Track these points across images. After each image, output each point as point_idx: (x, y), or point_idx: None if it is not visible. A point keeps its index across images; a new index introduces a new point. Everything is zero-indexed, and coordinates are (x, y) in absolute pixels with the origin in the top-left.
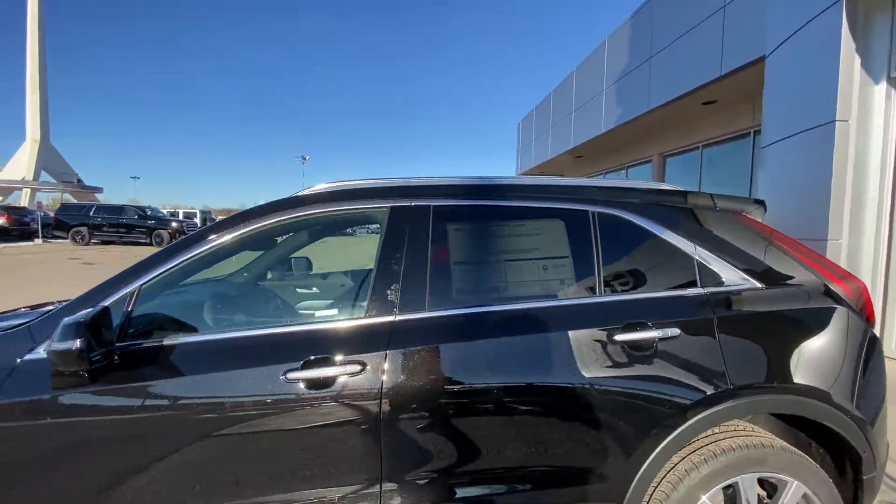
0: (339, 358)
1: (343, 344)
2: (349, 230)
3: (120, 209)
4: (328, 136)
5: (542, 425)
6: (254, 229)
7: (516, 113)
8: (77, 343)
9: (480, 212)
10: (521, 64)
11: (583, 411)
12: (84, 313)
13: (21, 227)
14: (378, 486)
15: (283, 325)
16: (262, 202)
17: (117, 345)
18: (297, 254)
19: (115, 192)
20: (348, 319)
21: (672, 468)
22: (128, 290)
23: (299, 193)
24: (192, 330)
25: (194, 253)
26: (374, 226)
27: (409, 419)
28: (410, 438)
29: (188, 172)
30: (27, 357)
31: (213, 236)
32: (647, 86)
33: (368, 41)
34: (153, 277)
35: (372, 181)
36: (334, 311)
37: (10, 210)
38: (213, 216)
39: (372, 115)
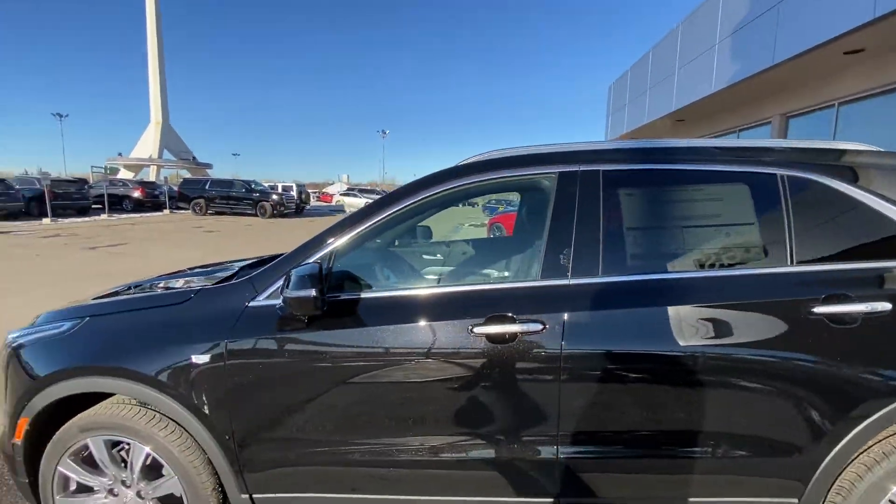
0: (519, 317)
1: (522, 304)
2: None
3: (230, 183)
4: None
5: (723, 398)
6: (424, 198)
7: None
8: (313, 291)
9: (654, 176)
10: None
11: (772, 386)
12: (308, 267)
13: (153, 199)
14: (555, 436)
15: (463, 285)
16: (344, 175)
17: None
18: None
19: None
20: (524, 282)
21: (862, 454)
22: (327, 251)
23: (465, 162)
24: (378, 286)
25: (374, 221)
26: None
27: (585, 378)
28: (585, 396)
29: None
30: (251, 304)
31: (388, 206)
32: (773, 35)
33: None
34: (344, 241)
35: (534, 148)
36: (504, 274)
37: (143, 184)
38: (307, 189)
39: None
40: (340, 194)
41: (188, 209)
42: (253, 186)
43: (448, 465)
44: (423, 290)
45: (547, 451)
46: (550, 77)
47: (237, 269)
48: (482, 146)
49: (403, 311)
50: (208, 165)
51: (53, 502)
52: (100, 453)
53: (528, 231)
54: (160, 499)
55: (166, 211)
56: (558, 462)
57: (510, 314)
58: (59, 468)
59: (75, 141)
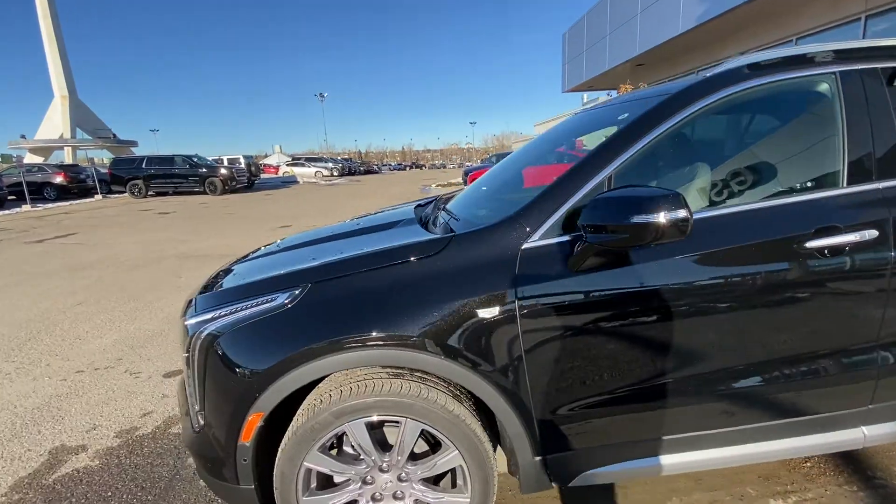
0: (845, 226)
1: (844, 213)
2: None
3: (170, 160)
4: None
5: None
6: (691, 114)
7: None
8: (682, 212)
9: None
10: None
11: None
12: (649, 189)
13: (79, 185)
14: (874, 345)
15: (775, 199)
16: (276, 146)
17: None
18: None
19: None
20: (833, 190)
21: None
22: (604, 176)
23: (724, 68)
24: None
25: (642, 143)
26: None
27: None
28: None
29: (203, 124)
30: (527, 246)
31: (653, 128)
32: None
33: None
34: (620, 165)
35: (795, 49)
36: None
37: (65, 168)
38: (255, 161)
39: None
40: (287, 165)
41: (125, 192)
42: (197, 161)
43: (769, 391)
44: (732, 208)
45: (867, 362)
46: (500, 30)
47: (413, 216)
48: (430, 106)
49: (720, 233)
50: (132, 143)
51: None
52: (360, 438)
53: (804, 138)
54: (429, 478)
55: (98, 196)
56: (879, 373)
57: (837, 224)
58: (306, 464)
59: None
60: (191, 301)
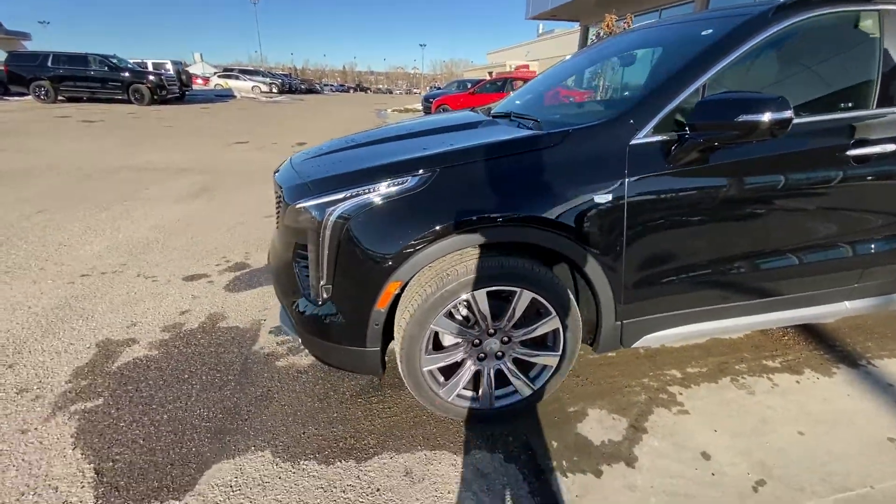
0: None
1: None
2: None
3: (83, 59)
4: None
5: None
6: (772, 34)
7: None
8: (788, 112)
9: None
10: None
11: None
12: (757, 94)
13: None
14: (872, 242)
15: (826, 114)
16: (196, 54)
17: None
18: None
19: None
20: (866, 110)
21: None
22: (700, 83)
23: None
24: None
25: (730, 58)
26: None
27: None
28: None
29: (105, 18)
30: (634, 142)
31: (743, 43)
32: None
33: None
34: (714, 74)
35: None
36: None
37: None
38: (185, 69)
39: None
40: (219, 77)
41: (28, 94)
42: (117, 63)
43: (791, 271)
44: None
45: (864, 249)
46: None
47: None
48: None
49: (791, 139)
50: (24, 35)
51: (420, 363)
52: (482, 305)
53: (843, 68)
54: (528, 341)
55: None
56: (871, 258)
57: (868, 138)
58: (433, 327)
59: None
60: (297, 185)
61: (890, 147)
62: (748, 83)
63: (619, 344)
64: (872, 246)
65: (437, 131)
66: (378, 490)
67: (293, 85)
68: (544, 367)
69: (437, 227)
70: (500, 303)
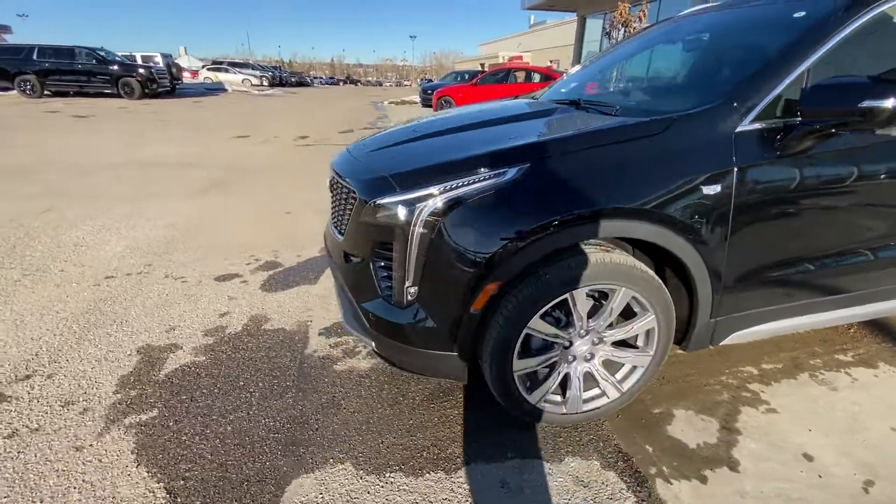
0: None
1: None
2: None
3: (70, 52)
4: None
5: None
6: (872, 16)
7: None
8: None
9: None
10: None
11: None
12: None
13: None
14: None
15: None
16: (181, 47)
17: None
18: None
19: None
20: None
21: None
22: (804, 68)
23: None
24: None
25: (835, 40)
26: None
27: None
28: None
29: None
30: (740, 129)
31: (844, 26)
32: None
33: None
34: (818, 58)
35: None
36: None
37: None
38: (176, 62)
39: None
40: (208, 70)
41: (12, 89)
42: (105, 56)
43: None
44: None
45: None
46: None
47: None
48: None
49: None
50: (5, 28)
51: (512, 367)
52: (580, 305)
53: None
54: (619, 341)
55: None
56: None
57: None
58: (527, 328)
59: None
60: (374, 180)
61: None
62: (849, 69)
63: (710, 342)
64: None
65: (506, 120)
66: None
67: (284, 78)
68: (633, 368)
69: (540, 223)
70: (594, 302)
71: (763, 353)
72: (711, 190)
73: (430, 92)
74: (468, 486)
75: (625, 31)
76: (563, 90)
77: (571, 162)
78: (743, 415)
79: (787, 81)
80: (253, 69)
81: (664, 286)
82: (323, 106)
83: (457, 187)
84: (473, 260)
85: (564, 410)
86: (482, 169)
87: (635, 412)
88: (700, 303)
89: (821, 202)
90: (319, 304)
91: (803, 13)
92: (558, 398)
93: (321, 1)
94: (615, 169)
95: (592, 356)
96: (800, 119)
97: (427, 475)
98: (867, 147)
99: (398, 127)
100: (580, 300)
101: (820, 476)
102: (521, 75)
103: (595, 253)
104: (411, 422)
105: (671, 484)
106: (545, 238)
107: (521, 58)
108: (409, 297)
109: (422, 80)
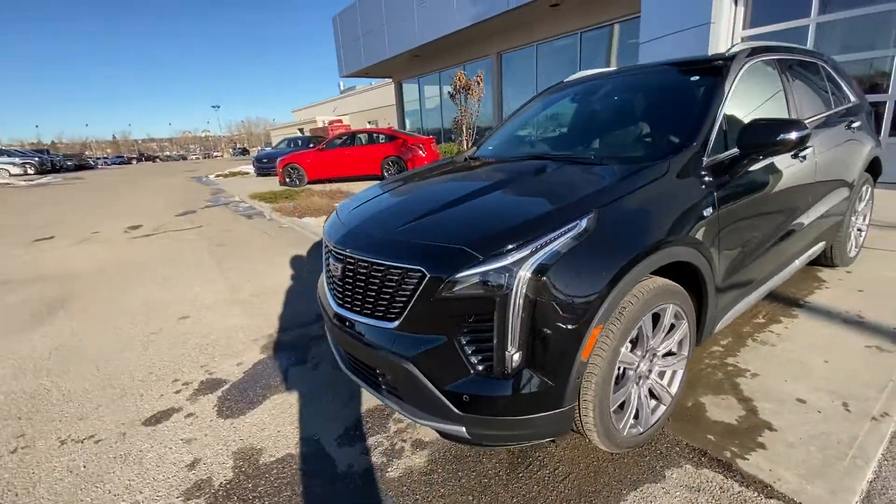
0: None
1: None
2: None
3: None
4: None
5: None
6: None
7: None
8: (805, 131)
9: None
10: None
11: None
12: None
13: None
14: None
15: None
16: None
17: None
18: None
19: None
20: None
21: None
22: (722, 113)
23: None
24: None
25: (729, 93)
26: None
27: None
28: None
29: None
30: (706, 161)
31: (727, 82)
32: None
33: None
34: (725, 105)
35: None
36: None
37: None
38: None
39: None
40: None
41: None
42: None
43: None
44: None
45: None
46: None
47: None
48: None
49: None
50: None
51: (609, 404)
52: (646, 328)
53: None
54: (666, 353)
55: None
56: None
57: None
58: (619, 362)
59: None
60: (442, 251)
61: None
62: (744, 109)
63: (710, 334)
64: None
65: (506, 182)
66: None
67: (57, 162)
68: (675, 372)
69: (620, 265)
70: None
71: (718, 335)
72: (706, 211)
73: (266, 161)
74: None
75: (467, 94)
76: (490, 147)
77: (620, 209)
78: (742, 385)
79: (718, 124)
80: (10, 156)
81: (688, 297)
82: (132, 189)
83: (547, 243)
84: (582, 308)
85: (641, 430)
86: (556, 225)
87: (677, 413)
88: (709, 302)
89: (761, 207)
90: (311, 412)
91: (697, 77)
92: (633, 420)
93: (96, 78)
94: (653, 208)
95: (650, 372)
96: (738, 151)
97: None
98: (783, 165)
99: (387, 199)
100: (647, 323)
101: (819, 412)
102: (364, 137)
103: (652, 280)
104: (514, 500)
105: (748, 459)
106: (625, 277)
107: (340, 121)
108: (514, 364)
109: (237, 148)
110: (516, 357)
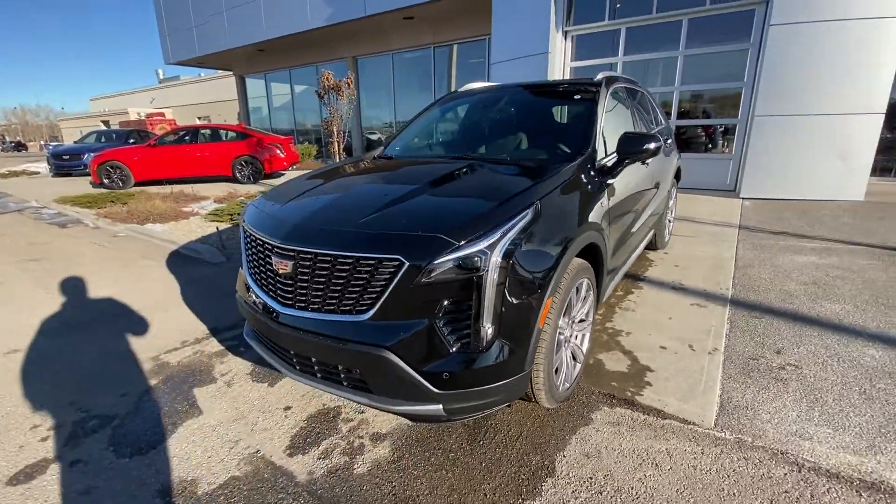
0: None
1: None
2: None
3: None
4: None
5: None
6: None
7: None
8: (660, 142)
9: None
10: None
11: None
12: (642, 133)
13: None
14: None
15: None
16: None
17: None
18: None
19: None
20: None
21: None
22: (600, 131)
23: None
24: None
25: (608, 110)
26: None
27: None
28: None
29: None
30: (598, 162)
31: (600, 105)
32: None
33: None
34: (600, 126)
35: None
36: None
37: None
38: None
39: None
40: None
41: None
42: None
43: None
44: None
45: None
46: None
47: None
48: None
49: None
50: None
51: (553, 364)
52: (574, 298)
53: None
54: (580, 320)
55: None
56: None
57: None
58: (560, 327)
59: None
60: (419, 239)
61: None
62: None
63: (601, 303)
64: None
65: (448, 179)
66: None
67: None
68: (584, 336)
69: (563, 245)
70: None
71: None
72: (602, 202)
73: (68, 157)
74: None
75: (337, 95)
76: (398, 148)
77: (554, 201)
78: (623, 341)
79: (601, 134)
80: None
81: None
82: None
83: (511, 229)
84: (539, 282)
85: (567, 385)
86: (515, 213)
87: (586, 369)
88: (605, 274)
89: (629, 202)
90: (243, 431)
91: (580, 96)
92: (562, 378)
93: None
94: (577, 199)
95: (572, 336)
96: (616, 155)
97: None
98: (637, 169)
99: (329, 192)
100: (573, 295)
101: (675, 353)
102: (208, 133)
103: (575, 259)
104: (483, 464)
105: (643, 395)
106: (567, 252)
107: (162, 114)
108: (489, 338)
109: (9, 142)
110: (490, 330)
